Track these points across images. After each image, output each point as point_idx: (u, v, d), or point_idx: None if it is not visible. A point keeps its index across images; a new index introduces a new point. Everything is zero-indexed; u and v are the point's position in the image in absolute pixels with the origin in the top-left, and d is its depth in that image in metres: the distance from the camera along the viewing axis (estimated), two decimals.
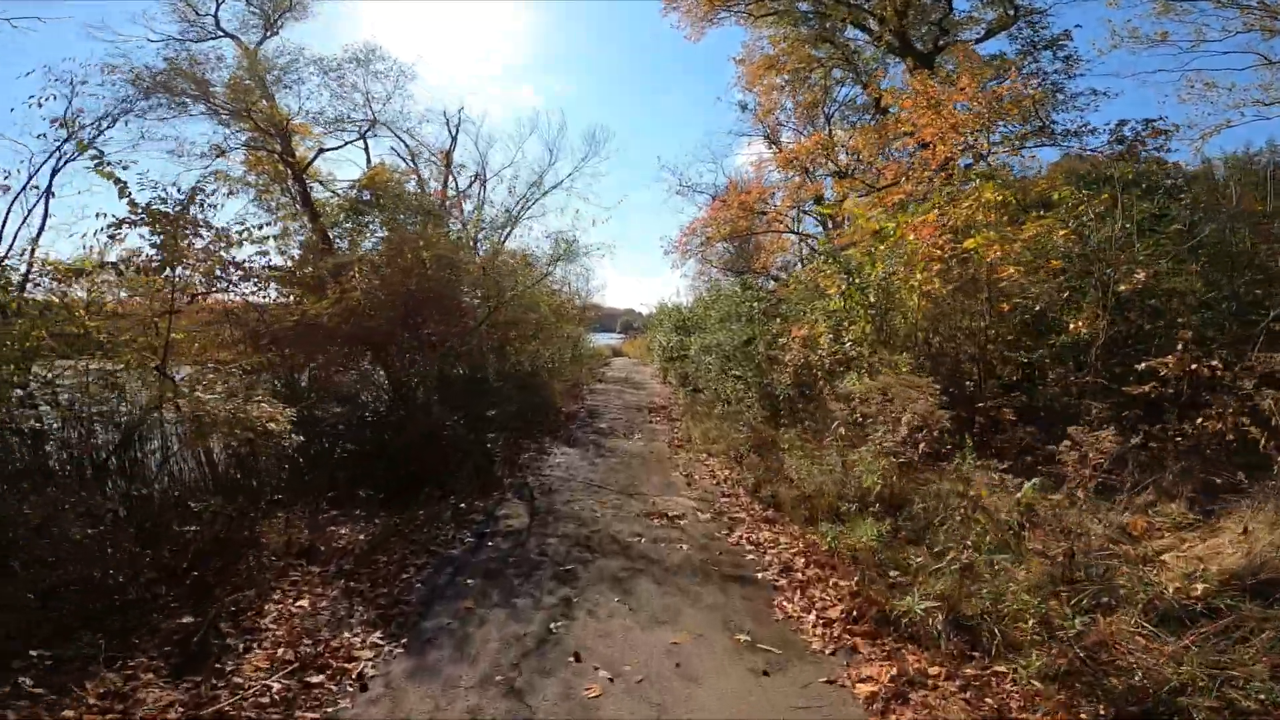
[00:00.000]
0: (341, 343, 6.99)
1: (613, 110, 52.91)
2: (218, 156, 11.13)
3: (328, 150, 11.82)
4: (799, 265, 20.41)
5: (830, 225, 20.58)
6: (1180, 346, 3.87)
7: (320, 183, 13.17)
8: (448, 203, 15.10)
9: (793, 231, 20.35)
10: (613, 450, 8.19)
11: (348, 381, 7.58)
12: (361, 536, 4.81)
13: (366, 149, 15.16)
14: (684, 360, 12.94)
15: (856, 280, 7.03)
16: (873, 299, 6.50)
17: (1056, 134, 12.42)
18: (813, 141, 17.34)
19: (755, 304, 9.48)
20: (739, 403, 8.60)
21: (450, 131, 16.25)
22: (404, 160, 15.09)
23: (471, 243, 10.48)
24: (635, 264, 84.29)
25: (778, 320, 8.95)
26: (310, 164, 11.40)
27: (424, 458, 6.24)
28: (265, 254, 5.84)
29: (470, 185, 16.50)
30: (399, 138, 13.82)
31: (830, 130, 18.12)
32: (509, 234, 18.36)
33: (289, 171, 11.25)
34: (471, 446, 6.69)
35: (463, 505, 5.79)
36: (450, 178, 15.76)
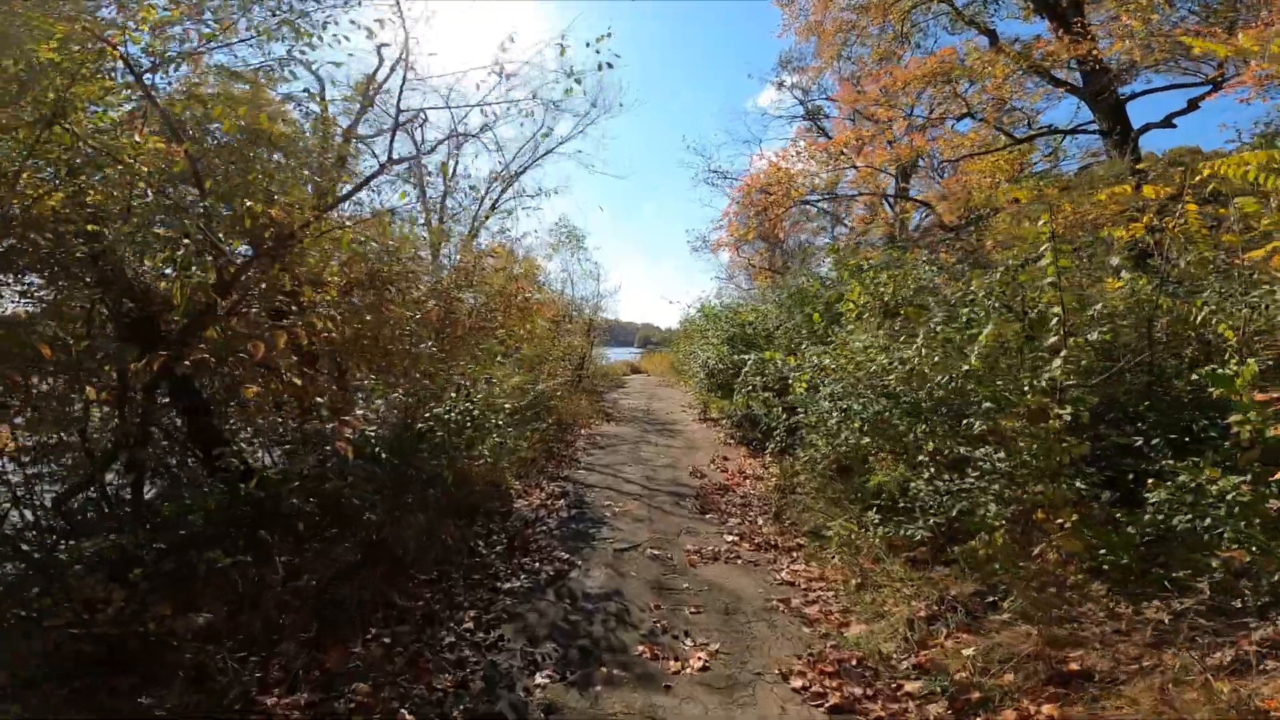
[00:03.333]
0: None
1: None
2: None
3: None
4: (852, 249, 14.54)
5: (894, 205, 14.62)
6: None
7: None
8: (354, 141, 9.34)
9: (887, 197, 14.14)
10: None
11: None
12: None
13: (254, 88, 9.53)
14: (771, 397, 6.62)
15: None
16: None
17: None
18: (934, 61, 11.46)
19: (1046, 275, 3.16)
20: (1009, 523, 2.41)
21: (379, 56, 10.43)
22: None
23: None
24: (646, 269, 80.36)
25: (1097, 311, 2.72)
26: None
27: None
28: None
29: (409, 122, 10.69)
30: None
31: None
32: (485, 204, 12.97)
33: None
34: None
35: None
36: (367, 113, 9.91)
